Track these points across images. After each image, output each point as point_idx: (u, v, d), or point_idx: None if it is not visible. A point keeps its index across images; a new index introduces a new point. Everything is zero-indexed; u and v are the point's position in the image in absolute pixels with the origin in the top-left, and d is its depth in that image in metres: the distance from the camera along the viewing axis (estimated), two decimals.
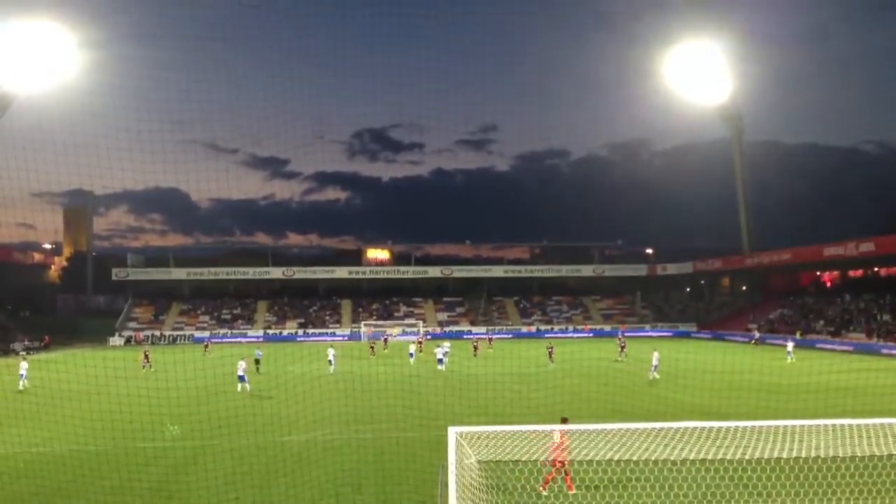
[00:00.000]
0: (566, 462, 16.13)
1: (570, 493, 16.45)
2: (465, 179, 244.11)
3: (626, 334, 79.34)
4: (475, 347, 63.58)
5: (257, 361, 50.05)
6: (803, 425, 13.60)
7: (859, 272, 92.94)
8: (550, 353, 54.70)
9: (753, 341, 76.58)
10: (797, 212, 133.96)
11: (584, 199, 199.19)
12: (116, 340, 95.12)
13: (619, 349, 58.99)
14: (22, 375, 41.97)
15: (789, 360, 52.18)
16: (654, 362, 42.90)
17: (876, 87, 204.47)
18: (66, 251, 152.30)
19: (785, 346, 57.20)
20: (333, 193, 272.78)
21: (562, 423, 17.34)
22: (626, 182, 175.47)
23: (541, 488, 16.46)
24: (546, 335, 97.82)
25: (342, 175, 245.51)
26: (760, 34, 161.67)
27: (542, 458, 15.29)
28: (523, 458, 13.66)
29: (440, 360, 49.47)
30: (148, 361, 52.53)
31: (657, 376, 41.78)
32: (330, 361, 49.30)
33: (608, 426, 14.24)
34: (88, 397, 33.26)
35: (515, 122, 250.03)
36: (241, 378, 38.89)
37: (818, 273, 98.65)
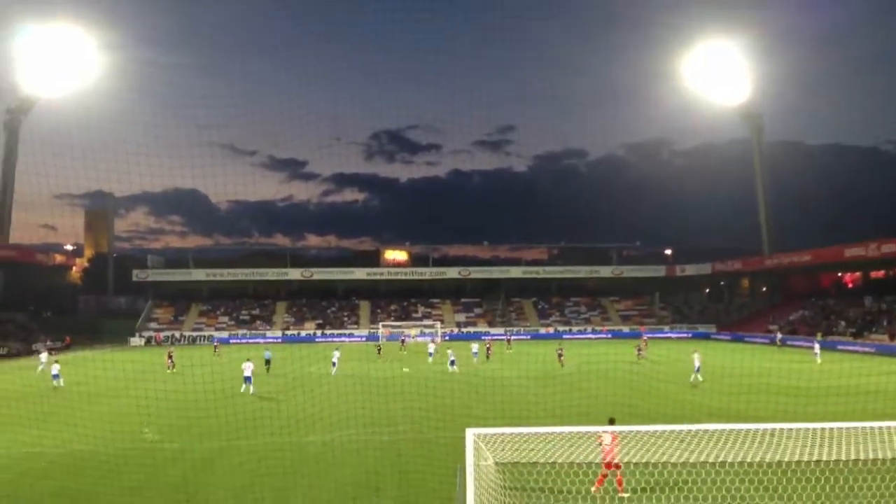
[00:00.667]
0: (619, 464, 16.19)
1: (620, 495, 16.37)
2: (482, 180, 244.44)
3: (647, 336, 79.03)
4: (488, 349, 62.07)
5: (267, 362, 50.20)
6: (825, 428, 13.49)
7: (881, 273, 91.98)
8: (560, 356, 52.96)
9: (778, 342, 75.80)
10: (817, 212, 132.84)
11: (601, 199, 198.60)
12: (137, 341, 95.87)
13: (637, 351, 59.22)
14: (56, 375, 42.57)
15: (819, 362, 51.77)
16: (697, 363, 42.45)
17: None
18: (88, 252, 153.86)
19: (811, 347, 57.00)
20: (351, 195, 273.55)
21: (609, 423, 17.17)
22: (644, 183, 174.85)
23: (594, 487, 16.37)
24: (564, 336, 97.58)
25: (360, 176, 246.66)
26: (781, 33, 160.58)
27: (596, 461, 15.19)
28: (541, 461, 13.63)
29: (452, 362, 49.81)
30: (172, 362, 52.91)
31: (700, 378, 41.34)
32: (333, 363, 49.34)
33: (627, 429, 14.20)
34: (108, 399, 33.56)
35: (533, 123, 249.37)
36: (247, 379, 38.93)
37: (839, 274, 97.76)
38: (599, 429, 15.33)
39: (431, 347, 61.18)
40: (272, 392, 38.79)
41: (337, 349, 53.15)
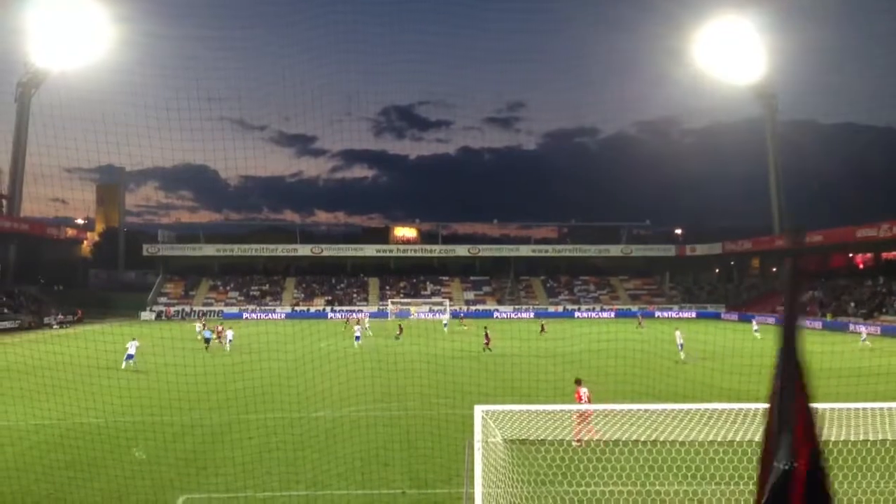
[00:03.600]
0: (589, 415, 17.32)
1: (575, 442, 17.26)
2: (492, 158, 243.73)
3: (645, 315, 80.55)
4: (487, 337, 50.41)
5: (206, 341, 50.12)
6: (832, 408, 13.43)
7: (893, 254, 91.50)
8: (542, 329, 58.87)
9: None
10: (831, 192, 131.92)
11: (612, 178, 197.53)
12: (147, 315, 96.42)
13: (638, 323, 67.37)
14: (131, 356, 40.53)
15: (861, 344, 51.56)
16: (679, 341, 42.70)
17: None
18: (99, 227, 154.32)
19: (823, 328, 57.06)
20: (360, 171, 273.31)
21: (576, 384, 21.27)
22: (655, 161, 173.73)
23: (575, 442, 17.25)
24: (575, 315, 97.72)
25: (369, 153, 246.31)
26: (796, 9, 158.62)
27: (603, 438, 15.47)
28: (549, 438, 13.64)
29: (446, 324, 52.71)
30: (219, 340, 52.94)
31: (683, 356, 41.66)
32: (357, 336, 49.80)
33: (636, 406, 14.19)
34: (119, 372, 33.78)
35: (544, 100, 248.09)
36: (129, 357, 39.12)
37: (851, 255, 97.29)
38: (605, 407, 15.36)
39: (445, 318, 67.43)
40: (282, 368, 38.97)
41: (358, 323, 53.72)
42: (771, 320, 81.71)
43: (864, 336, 54.39)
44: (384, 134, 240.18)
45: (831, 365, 36.06)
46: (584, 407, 18.68)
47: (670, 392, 29.69)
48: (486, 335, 48.80)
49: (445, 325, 67.25)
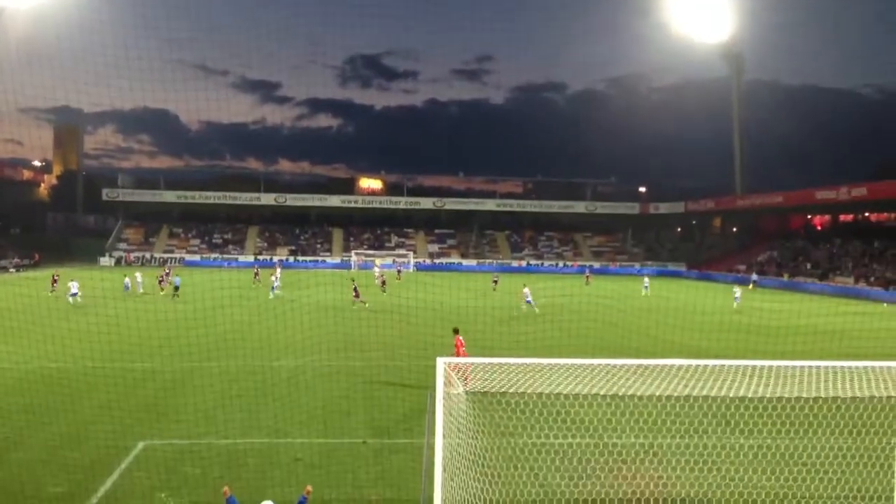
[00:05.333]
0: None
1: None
2: (459, 110, 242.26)
3: (593, 271, 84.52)
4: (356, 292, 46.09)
5: (176, 288, 49.87)
6: (788, 366, 13.70)
7: (850, 217, 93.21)
8: (495, 284, 59.18)
9: (752, 284, 72.84)
10: (792, 154, 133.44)
11: (579, 134, 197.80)
12: (107, 261, 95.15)
13: (586, 280, 70.26)
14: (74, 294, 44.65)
15: (735, 305, 49.96)
16: (528, 298, 43.45)
17: (879, 31, 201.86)
18: (56, 169, 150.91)
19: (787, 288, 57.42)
20: (326, 120, 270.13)
21: (454, 332, 21.72)
22: (622, 118, 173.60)
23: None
24: (538, 271, 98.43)
25: (335, 102, 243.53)
26: None
27: (564, 392, 15.55)
28: (510, 390, 13.76)
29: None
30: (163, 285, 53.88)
31: (523, 309, 42.54)
32: (273, 287, 51.53)
33: (596, 362, 14.34)
34: (77, 317, 33.37)
35: (512, 53, 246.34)
36: (74, 294, 43.62)
37: (809, 217, 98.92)
38: (568, 361, 15.48)
39: (377, 272, 64.98)
40: (244, 317, 38.79)
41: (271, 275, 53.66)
42: (729, 279, 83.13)
43: (737, 294, 51.83)
44: (350, 83, 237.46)
45: (788, 323, 36.84)
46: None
47: (629, 347, 30.15)
48: (355, 290, 45.40)
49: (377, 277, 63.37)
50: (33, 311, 35.10)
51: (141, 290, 52.44)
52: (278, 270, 63.56)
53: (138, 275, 55.12)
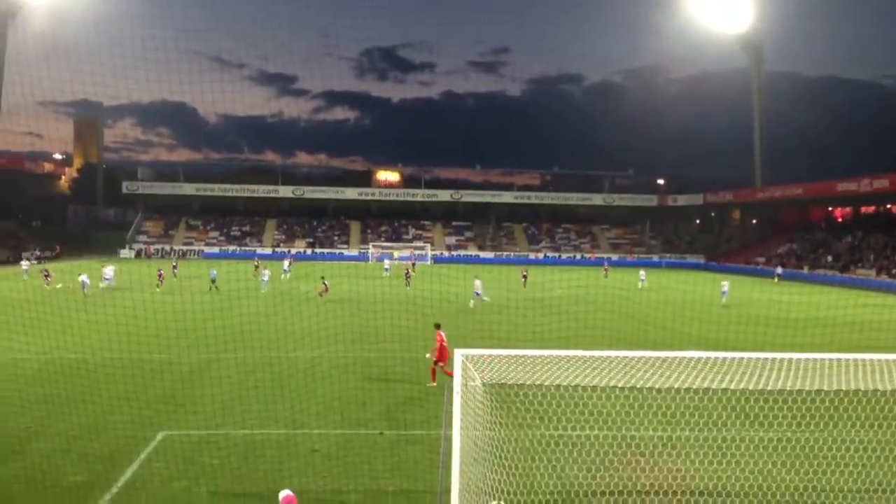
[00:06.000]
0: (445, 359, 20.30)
1: (434, 384, 20.79)
2: (475, 103, 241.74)
3: (612, 263, 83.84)
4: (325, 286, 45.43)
5: (213, 280, 49.78)
6: (809, 358, 13.56)
7: (871, 209, 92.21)
8: (525, 278, 56.17)
9: (776, 277, 71.97)
10: (812, 146, 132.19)
11: (596, 126, 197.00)
12: (127, 253, 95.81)
13: (604, 272, 69.58)
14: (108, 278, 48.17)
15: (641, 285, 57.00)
16: (477, 291, 43.10)
17: None
18: (77, 162, 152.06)
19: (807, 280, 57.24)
20: (342, 113, 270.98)
21: (436, 328, 21.76)
22: (639, 110, 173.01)
23: (431, 384, 20.95)
24: (557, 263, 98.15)
25: (351, 94, 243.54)
26: None
27: (582, 384, 15.43)
28: (528, 382, 13.71)
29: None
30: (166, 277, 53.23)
31: (472, 302, 41.95)
32: (264, 280, 50.76)
33: (614, 354, 14.26)
34: (97, 308, 33.60)
35: (529, 45, 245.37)
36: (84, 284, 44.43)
37: (830, 209, 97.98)
38: (586, 353, 15.40)
39: (387, 264, 67.97)
40: (261, 308, 38.95)
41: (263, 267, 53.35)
42: (751, 271, 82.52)
43: (642, 276, 59.71)
44: (366, 75, 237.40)
45: (808, 315, 36.54)
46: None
47: (647, 340, 30.00)
48: (324, 284, 44.63)
49: (387, 269, 66.89)
50: (51, 302, 35.42)
51: (104, 286, 48.98)
52: (286, 263, 63.59)
53: (108, 270, 51.00)
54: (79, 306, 34.42)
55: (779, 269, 74.90)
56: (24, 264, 53.60)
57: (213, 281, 49.40)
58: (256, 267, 62.44)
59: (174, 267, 60.85)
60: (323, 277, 45.22)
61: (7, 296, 41.87)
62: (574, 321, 31.18)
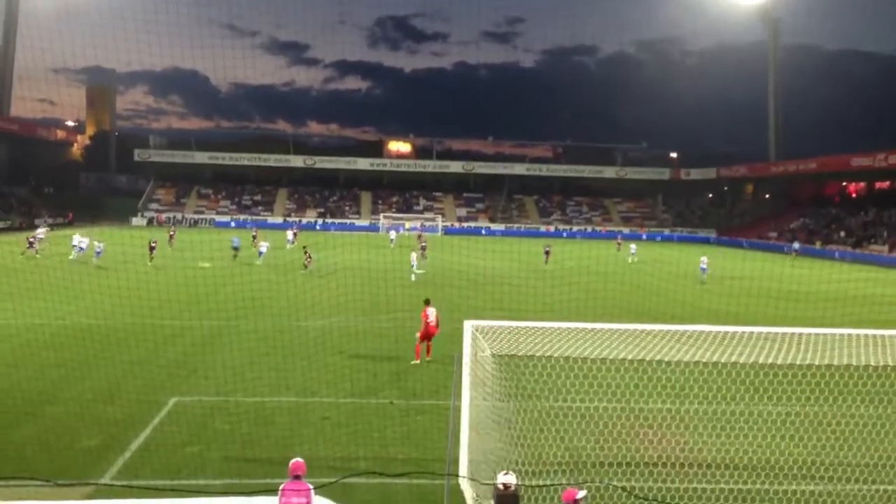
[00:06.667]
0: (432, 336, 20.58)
1: (417, 360, 20.55)
2: (488, 74, 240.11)
3: (624, 237, 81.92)
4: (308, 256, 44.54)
5: (235, 249, 49.64)
6: (819, 333, 13.56)
7: (886, 184, 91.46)
8: (547, 254, 53.17)
9: (794, 253, 70.04)
10: (828, 120, 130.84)
11: (610, 98, 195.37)
12: (139, 221, 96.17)
13: (617, 246, 69.37)
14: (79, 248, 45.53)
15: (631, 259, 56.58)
16: (413, 262, 42.30)
17: None
18: (89, 129, 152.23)
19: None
20: (354, 83, 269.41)
21: (425, 303, 21.23)
22: (654, 82, 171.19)
23: (414, 361, 20.48)
24: (564, 235, 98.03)
25: (364, 64, 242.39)
26: None
27: (591, 356, 15.43)
28: (537, 354, 13.76)
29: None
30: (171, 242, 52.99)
31: (415, 274, 41.19)
32: (261, 252, 48.58)
33: (623, 326, 14.28)
34: (108, 273, 33.83)
35: (543, 16, 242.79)
36: (97, 253, 43.28)
37: (844, 184, 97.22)
38: (595, 326, 15.42)
39: (393, 235, 67.93)
40: (271, 277, 39.12)
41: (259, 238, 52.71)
42: (763, 246, 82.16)
43: (633, 250, 59.15)
44: (379, 45, 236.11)
45: (819, 290, 36.45)
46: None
47: (658, 312, 30.01)
48: (308, 255, 43.61)
49: (392, 240, 65.76)
50: (65, 268, 35.67)
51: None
52: (290, 233, 62.97)
53: (79, 238, 47.38)
54: (90, 272, 34.64)
55: (795, 245, 74.28)
56: (41, 232, 53.30)
57: (237, 248, 49.58)
58: (254, 237, 59.87)
59: (171, 236, 58.79)
60: (305, 247, 44.99)
61: (22, 262, 42.16)
62: (584, 292, 31.21)
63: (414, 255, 43.47)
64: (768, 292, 36.54)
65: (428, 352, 20.81)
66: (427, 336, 20.57)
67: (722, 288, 38.25)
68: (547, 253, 53.40)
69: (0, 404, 15.73)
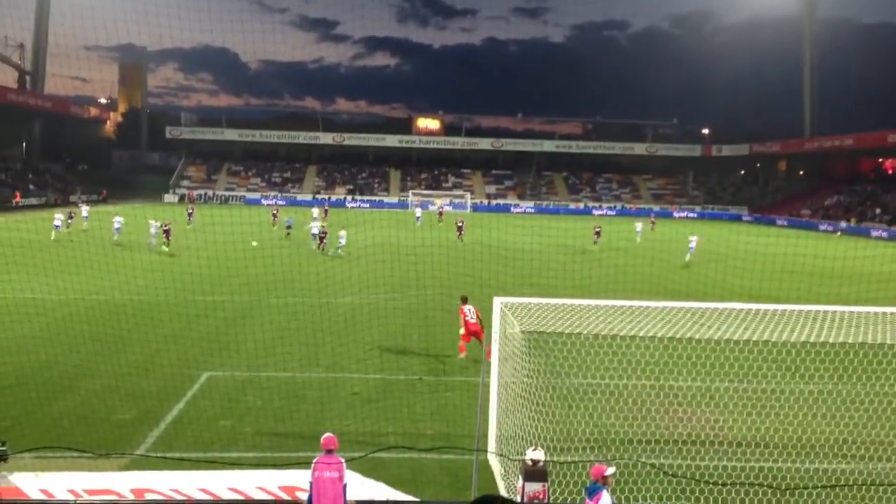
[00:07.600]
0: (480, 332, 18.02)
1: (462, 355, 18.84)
2: (518, 49, 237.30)
3: (657, 215, 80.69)
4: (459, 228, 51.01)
5: (289, 227, 50.27)
6: (852, 311, 13.41)
7: None
8: (598, 234, 51.95)
9: (839, 233, 69.01)
10: (865, 95, 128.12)
11: (640, 74, 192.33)
12: (171, 198, 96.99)
13: (651, 224, 65.67)
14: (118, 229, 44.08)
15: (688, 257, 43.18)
16: (341, 240, 41.34)
17: None
18: (121, 107, 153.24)
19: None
20: (383, 59, 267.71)
21: (462, 301, 19.36)
22: (686, 57, 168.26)
23: (461, 355, 18.87)
24: (594, 212, 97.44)
25: (392, 40, 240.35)
26: None
27: (621, 333, 15.33)
28: (566, 331, 13.76)
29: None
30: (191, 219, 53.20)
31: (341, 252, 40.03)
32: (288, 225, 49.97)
33: (654, 304, 14.23)
34: (142, 250, 34.26)
35: None
36: (117, 230, 42.73)
37: (880, 160, 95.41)
38: (625, 303, 15.36)
39: (419, 213, 67.08)
40: (302, 254, 39.37)
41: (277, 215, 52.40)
42: (785, 224, 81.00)
43: (692, 244, 43.87)
44: (407, 21, 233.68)
45: (853, 268, 35.94)
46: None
47: (686, 291, 29.80)
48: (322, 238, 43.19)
49: (419, 218, 64.30)
50: (100, 244, 36.14)
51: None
52: (315, 210, 61.55)
53: (59, 217, 46.29)
54: (125, 249, 35.09)
55: (843, 224, 72.82)
56: (84, 209, 53.67)
57: (290, 227, 50.23)
58: (274, 216, 59.51)
59: (189, 214, 57.05)
60: (323, 225, 45.62)
61: (56, 236, 42.77)
62: (613, 269, 31.06)
63: (343, 232, 41.68)
64: (801, 269, 36.00)
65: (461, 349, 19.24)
66: (471, 335, 18.77)
67: (752, 265, 37.83)
68: (598, 233, 52.16)
69: (38, 377, 16.05)
